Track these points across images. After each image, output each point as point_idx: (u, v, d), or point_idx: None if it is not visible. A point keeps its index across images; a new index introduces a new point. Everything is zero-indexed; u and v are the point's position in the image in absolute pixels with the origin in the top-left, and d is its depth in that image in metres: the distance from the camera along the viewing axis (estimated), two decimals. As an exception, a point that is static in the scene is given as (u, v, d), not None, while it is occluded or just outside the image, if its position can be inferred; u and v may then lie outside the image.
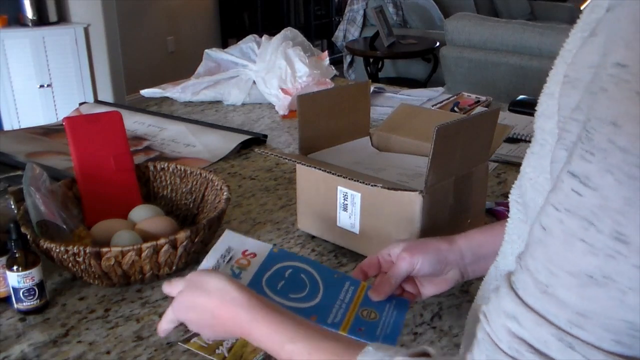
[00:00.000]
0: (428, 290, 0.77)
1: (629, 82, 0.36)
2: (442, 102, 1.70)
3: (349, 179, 0.88)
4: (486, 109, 1.61)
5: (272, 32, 1.84)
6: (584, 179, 0.38)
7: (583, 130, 0.39)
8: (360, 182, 0.87)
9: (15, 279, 0.80)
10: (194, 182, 1.07)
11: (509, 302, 0.42)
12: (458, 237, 0.76)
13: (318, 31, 6.17)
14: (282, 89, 1.66)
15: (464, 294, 0.88)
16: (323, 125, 1.03)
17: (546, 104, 0.48)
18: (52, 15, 3.75)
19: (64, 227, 0.89)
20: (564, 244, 0.39)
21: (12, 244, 0.80)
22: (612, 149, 0.36)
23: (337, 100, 1.05)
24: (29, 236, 0.84)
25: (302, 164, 0.97)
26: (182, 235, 0.85)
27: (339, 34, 5.17)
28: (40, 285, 0.82)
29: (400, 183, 0.93)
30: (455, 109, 1.62)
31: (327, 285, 0.73)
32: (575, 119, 0.41)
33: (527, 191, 0.52)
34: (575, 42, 0.46)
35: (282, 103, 1.65)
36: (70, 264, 0.84)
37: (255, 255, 0.75)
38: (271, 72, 1.69)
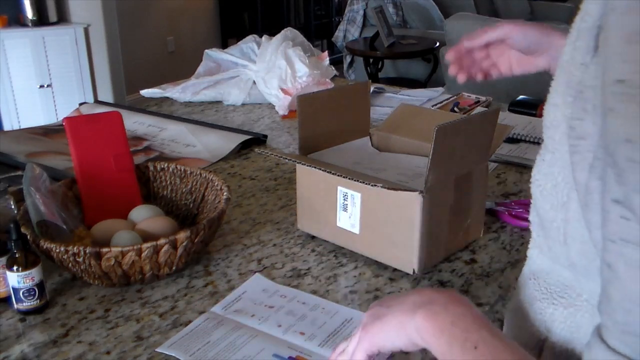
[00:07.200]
0: (515, 68, 0.88)
1: (632, 96, 0.35)
2: (442, 102, 1.70)
3: (349, 179, 0.88)
4: (486, 109, 1.61)
5: (272, 32, 1.83)
6: (627, 204, 0.36)
7: (607, 156, 0.38)
8: (360, 182, 0.87)
9: (15, 279, 0.80)
10: (194, 182, 1.07)
11: (598, 352, 0.40)
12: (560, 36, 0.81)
13: (318, 31, 6.18)
14: (282, 89, 1.66)
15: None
16: (323, 125, 1.03)
17: (553, 114, 0.48)
18: (52, 16, 3.75)
19: (64, 227, 0.89)
20: (630, 277, 0.37)
21: (12, 244, 0.80)
22: (632, 167, 0.35)
23: (337, 100, 1.05)
24: (29, 236, 0.84)
25: (302, 164, 0.97)
26: (182, 236, 0.85)
27: (339, 34, 5.18)
28: (40, 285, 0.82)
29: (400, 183, 0.93)
30: (455, 109, 1.62)
31: None
32: (601, 145, 0.40)
33: (536, 199, 0.52)
34: (570, 52, 0.46)
35: (282, 103, 1.65)
36: (70, 264, 0.84)
37: None
38: (271, 72, 1.69)
